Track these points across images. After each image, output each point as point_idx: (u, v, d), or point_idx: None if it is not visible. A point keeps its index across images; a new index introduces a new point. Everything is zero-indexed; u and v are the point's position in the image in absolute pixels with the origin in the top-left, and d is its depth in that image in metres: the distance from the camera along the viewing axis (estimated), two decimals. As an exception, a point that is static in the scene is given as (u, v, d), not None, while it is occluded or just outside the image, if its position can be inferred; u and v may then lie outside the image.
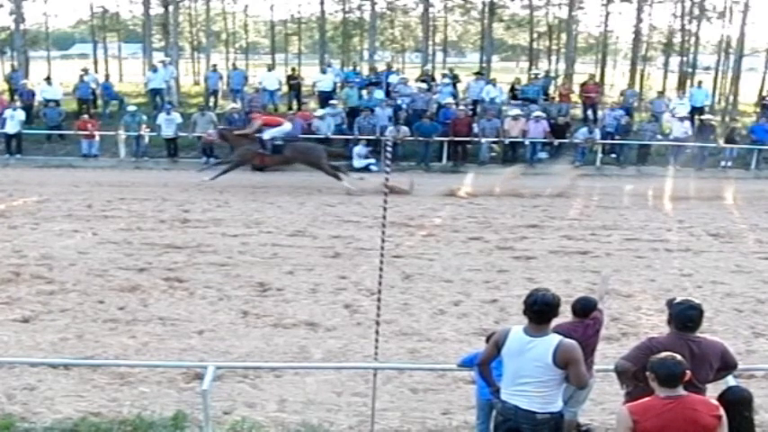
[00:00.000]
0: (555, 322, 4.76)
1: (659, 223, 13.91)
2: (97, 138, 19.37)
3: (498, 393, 4.74)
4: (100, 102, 22.64)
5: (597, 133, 19.54)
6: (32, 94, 21.47)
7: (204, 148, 18.86)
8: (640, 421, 3.98)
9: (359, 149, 18.53)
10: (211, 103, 22.43)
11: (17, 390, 6.70)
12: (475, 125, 19.53)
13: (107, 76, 26.49)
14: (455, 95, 21.66)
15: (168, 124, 19.01)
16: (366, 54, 28.16)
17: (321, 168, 16.48)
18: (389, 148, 6.79)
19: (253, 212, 14.13)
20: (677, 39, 27.92)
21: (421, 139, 19.02)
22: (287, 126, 16.93)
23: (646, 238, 12.71)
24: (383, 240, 5.82)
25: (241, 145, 16.64)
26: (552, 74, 26.48)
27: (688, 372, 4.06)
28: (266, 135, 16.27)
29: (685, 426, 3.97)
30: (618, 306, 9.03)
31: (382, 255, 5.87)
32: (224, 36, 32.43)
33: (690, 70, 27.23)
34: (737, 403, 4.45)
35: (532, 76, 25.37)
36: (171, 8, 26.98)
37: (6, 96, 22.28)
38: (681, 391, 4.03)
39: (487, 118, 19.57)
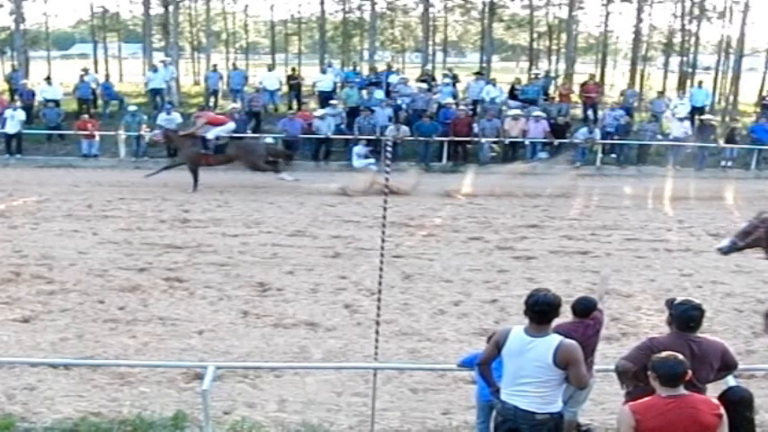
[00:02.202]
0: (555, 322, 4.76)
1: (659, 223, 13.91)
2: (97, 138, 19.37)
3: (498, 393, 4.74)
4: (100, 102, 22.63)
5: (597, 133, 19.54)
6: (32, 94, 21.46)
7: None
8: (643, 420, 3.98)
9: (358, 149, 18.53)
10: (211, 103, 22.42)
11: (17, 390, 6.70)
12: (475, 125, 19.53)
13: (107, 76, 26.56)
14: (455, 95, 21.67)
15: (168, 124, 18.91)
16: (366, 54, 28.16)
17: (257, 169, 16.46)
18: (389, 148, 6.79)
19: (253, 212, 14.13)
20: (677, 39, 27.93)
21: (421, 138, 19.02)
22: (231, 125, 16.90)
23: (646, 238, 12.71)
24: (383, 240, 5.82)
25: (185, 146, 16.48)
26: (552, 74, 26.48)
27: (689, 371, 4.07)
28: (210, 135, 16.17)
29: (687, 425, 3.98)
30: (618, 306, 9.02)
31: (382, 255, 5.87)
32: (224, 36, 32.43)
33: (690, 70, 27.23)
34: (738, 403, 4.45)
35: (532, 76, 25.38)
36: (171, 8, 26.97)
37: (6, 96, 22.28)
38: (682, 390, 4.04)
39: (487, 118, 19.57)
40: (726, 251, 8.09)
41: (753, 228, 7.94)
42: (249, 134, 19.42)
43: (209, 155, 16.23)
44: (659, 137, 19.88)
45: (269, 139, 18.98)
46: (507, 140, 19.34)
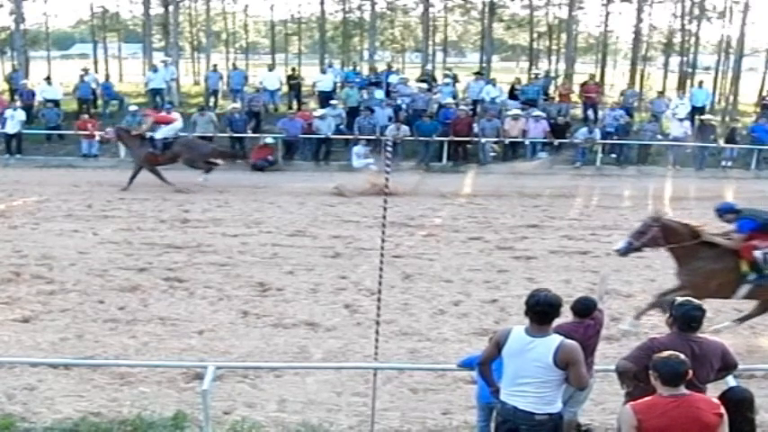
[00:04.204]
0: (555, 322, 4.76)
1: (659, 223, 13.88)
2: (97, 138, 19.34)
3: (498, 394, 4.74)
4: (100, 102, 22.64)
5: (597, 133, 19.53)
6: (32, 94, 21.44)
7: None
8: (645, 420, 4.00)
9: (358, 149, 18.50)
10: (211, 103, 22.43)
11: (17, 390, 6.70)
12: (475, 125, 19.52)
13: (107, 76, 26.57)
14: (455, 95, 21.66)
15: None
16: (366, 54, 28.16)
17: (192, 166, 16.38)
18: (389, 148, 6.78)
19: (253, 212, 14.12)
20: (677, 39, 27.92)
21: (421, 138, 19.02)
22: (178, 124, 16.87)
23: (646, 238, 12.68)
24: (383, 240, 5.82)
25: (135, 146, 16.42)
26: (552, 74, 26.48)
27: (690, 371, 4.08)
28: (158, 134, 16.12)
29: (689, 424, 3.99)
30: (618, 306, 9.03)
31: (382, 255, 5.87)
32: (224, 36, 32.42)
33: (690, 70, 27.22)
34: (739, 403, 4.45)
35: (532, 76, 25.40)
36: (171, 8, 26.97)
37: (6, 96, 22.28)
38: (683, 389, 4.05)
39: (487, 118, 19.56)
40: (623, 252, 8.07)
41: (647, 227, 7.93)
42: (249, 134, 19.43)
43: (158, 154, 16.16)
44: (659, 137, 19.87)
45: (269, 140, 18.98)
46: (507, 140, 19.34)
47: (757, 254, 7.71)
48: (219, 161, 16.79)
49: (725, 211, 8.20)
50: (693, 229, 7.99)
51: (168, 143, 16.22)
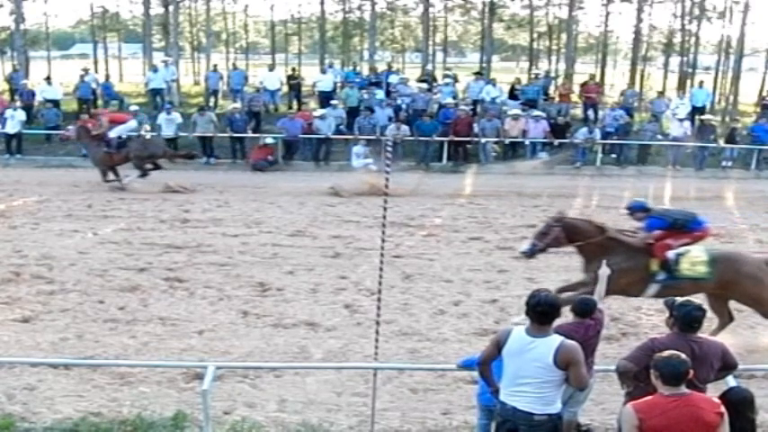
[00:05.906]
0: (555, 323, 4.76)
1: (659, 223, 13.87)
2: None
3: (498, 393, 4.74)
4: (100, 102, 22.61)
5: (597, 133, 19.53)
6: (32, 94, 21.44)
7: (203, 146, 19.00)
8: (646, 419, 4.01)
9: (358, 149, 18.49)
10: (211, 103, 22.42)
11: (17, 390, 6.70)
12: (475, 125, 19.52)
13: (107, 76, 26.55)
14: (455, 95, 21.67)
15: (168, 124, 18.96)
16: (366, 54, 28.17)
17: (138, 167, 16.27)
18: (389, 148, 6.78)
19: (253, 212, 14.12)
20: (677, 39, 27.94)
21: (421, 138, 19.02)
22: (132, 123, 16.84)
23: (646, 238, 12.67)
24: (383, 240, 5.82)
25: (92, 146, 16.39)
26: (552, 74, 26.48)
27: (691, 370, 4.09)
28: (112, 133, 16.09)
29: (690, 423, 4.00)
30: (618, 306, 9.00)
31: (382, 255, 5.87)
32: (224, 36, 32.44)
33: (690, 70, 27.23)
34: (740, 404, 4.46)
35: (532, 76, 25.40)
36: (171, 8, 26.98)
37: (6, 96, 22.27)
38: (684, 389, 4.06)
39: (487, 118, 19.56)
40: (528, 254, 8.04)
41: (548, 228, 7.88)
42: (249, 134, 19.43)
43: (113, 153, 16.11)
44: (659, 137, 19.87)
45: (269, 140, 18.98)
46: (507, 140, 19.34)
47: (670, 254, 7.67)
48: (162, 164, 16.67)
49: (636, 209, 8.16)
50: (598, 225, 7.97)
51: (121, 143, 16.17)
